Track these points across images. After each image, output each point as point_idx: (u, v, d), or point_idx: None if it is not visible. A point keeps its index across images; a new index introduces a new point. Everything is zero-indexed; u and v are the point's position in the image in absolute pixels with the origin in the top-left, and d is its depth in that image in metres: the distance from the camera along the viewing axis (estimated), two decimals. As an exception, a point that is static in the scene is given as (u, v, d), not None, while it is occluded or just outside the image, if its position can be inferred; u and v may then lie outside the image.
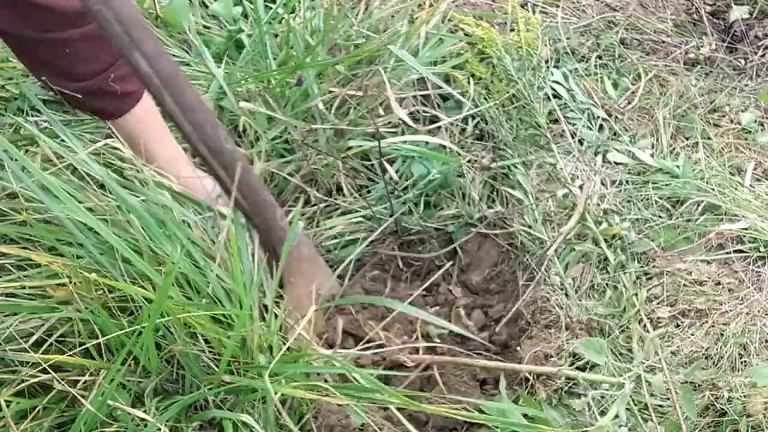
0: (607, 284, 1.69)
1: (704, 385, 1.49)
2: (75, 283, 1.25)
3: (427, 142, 1.88)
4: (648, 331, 1.62)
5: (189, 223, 1.46)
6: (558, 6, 2.34)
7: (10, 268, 1.34)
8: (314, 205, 1.80)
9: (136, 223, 1.35)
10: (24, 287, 1.30)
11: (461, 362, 1.55)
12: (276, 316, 1.40)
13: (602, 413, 1.45)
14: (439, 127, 1.94)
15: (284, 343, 1.38)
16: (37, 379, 1.24)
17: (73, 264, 1.26)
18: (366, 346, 1.58)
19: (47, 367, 1.23)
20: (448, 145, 1.88)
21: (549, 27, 2.22)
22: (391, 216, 1.79)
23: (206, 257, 1.41)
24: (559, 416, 1.42)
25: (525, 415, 1.38)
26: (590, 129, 2.01)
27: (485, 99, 2.00)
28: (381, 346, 1.60)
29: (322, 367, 1.33)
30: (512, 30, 2.14)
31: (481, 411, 1.44)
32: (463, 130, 1.97)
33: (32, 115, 1.81)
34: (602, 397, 1.47)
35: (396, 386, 1.55)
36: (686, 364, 1.56)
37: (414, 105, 1.96)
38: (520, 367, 1.49)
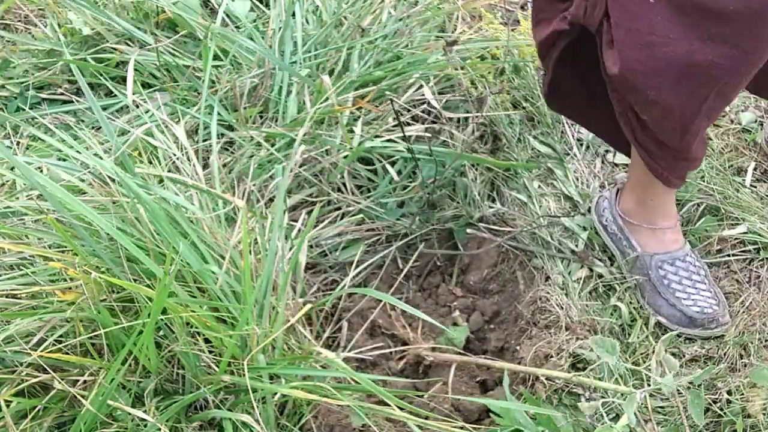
0: (607, 285, 1.69)
1: (703, 386, 1.49)
2: (85, 284, 1.24)
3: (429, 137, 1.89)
4: (648, 332, 1.62)
5: (201, 220, 1.46)
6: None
7: (23, 265, 1.35)
8: (319, 204, 1.80)
9: (145, 219, 1.35)
10: (41, 291, 1.30)
11: (481, 363, 1.56)
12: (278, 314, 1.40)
13: (607, 414, 1.45)
14: (442, 129, 1.94)
15: (286, 344, 1.38)
16: (36, 379, 1.24)
17: (86, 265, 1.26)
18: (374, 346, 1.59)
19: (47, 367, 1.23)
20: (458, 144, 1.88)
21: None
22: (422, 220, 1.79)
23: (217, 255, 1.41)
24: (561, 417, 1.42)
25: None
26: (590, 129, 2.01)
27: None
28: (405, 343, 1.62)
29: (320, 371, 1.33)
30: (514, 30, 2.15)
31: (487, 409, 1.44)
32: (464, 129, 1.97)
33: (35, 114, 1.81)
34: (603, 396, 1.47)
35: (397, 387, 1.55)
36: (685, 364, 1.56)
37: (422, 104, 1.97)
38: (534, 370, 1.49)
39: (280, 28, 2.05)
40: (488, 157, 1.90)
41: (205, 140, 1.75)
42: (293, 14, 2.06)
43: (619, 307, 1.64)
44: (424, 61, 2.00)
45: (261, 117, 1.93)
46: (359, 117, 1.88)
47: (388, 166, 1.86)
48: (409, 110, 1.96)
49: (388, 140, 1.83)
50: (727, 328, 1.60)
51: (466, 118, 1.97)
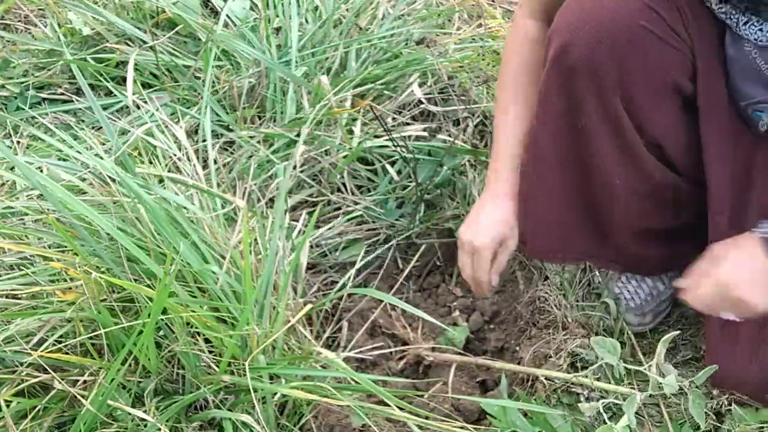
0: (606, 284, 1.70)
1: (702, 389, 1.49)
2: (85, 284, 1.24)
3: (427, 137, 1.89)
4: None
5: (201, 220, 1.46)
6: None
7: (23, 266, 1.35)
8: (320, 204, 1.80)
9: (146, 219, 1.35)
10: (41, 291, 1.30)
11: (481, 363, 1.56)
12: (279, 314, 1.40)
13: (606, 412, 1.46)
14: (440, 128, 1.94)
15: (287, 344, 1.38)
16: (37, 379, 1.24)
17: (87, 265, 1.26)
18: (374, 346, 1.60)
19: (47, 367, 1.23)
20: (459, 143, 1.88)
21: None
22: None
23: (217, 255, 1.42)
24: (559, 416, 1.42)
25: (525, 414, 1.38)
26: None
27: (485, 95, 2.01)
28: (406, 343, 1.63)
29: (321, 371, 1.33)
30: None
31: (483, 409, 1.44)
32: (465, 129, 1.97)
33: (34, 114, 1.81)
34: (603, 396, 1.47)
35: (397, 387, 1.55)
36: (682, 364, 1.56)
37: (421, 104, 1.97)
38: (534, 371, 1.50)
39: (275, 28, 2.05)
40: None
41: (205, 140, 1.75)
42: (291, 14, 2.06)
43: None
44: (423, 59, 2.00)
45: (260, 117, 1.93)
46: (357, 117, 1.88)
47: (388, 166, 1.86)
48: (400, 110, 1.96)
49: (389, 139, 1.83)
50: (633, 330, 1.62)
51: (467, 117, 1.98)
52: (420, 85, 1.98)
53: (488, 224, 1.45)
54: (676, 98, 1.32)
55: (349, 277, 1.68)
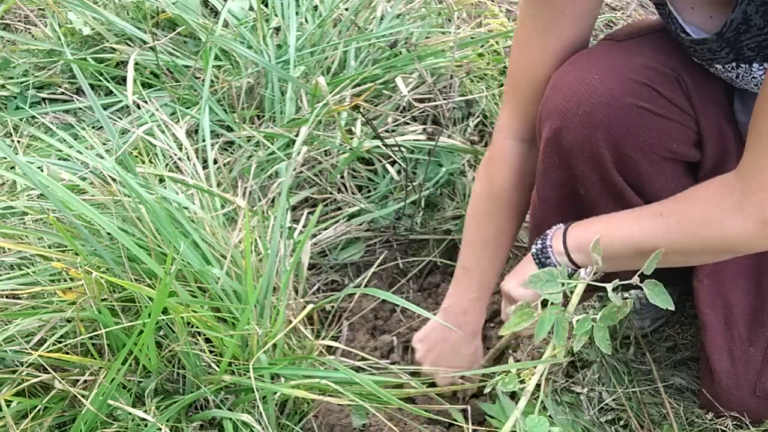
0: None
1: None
2: (86, 284, 1.24)
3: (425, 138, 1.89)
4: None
5: (202, 220, 1.46)
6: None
7: (24, 265, 1.34)
8: (321, 204, 1.80)
9: (146, 219, 1.35)
10: (42, 291, 1.30)
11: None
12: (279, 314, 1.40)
13: (601, 409, 1.46)
14: (440, 125, 1.95)
15: (287, 343, 1.38)
16: (37, 379, 1.24)
17: (87, 264, 1.26)
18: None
19: (48, 367, 1.23)
20: (459, 144, 1.88)
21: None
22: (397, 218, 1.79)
23: (218, 255, 1.42)
24: (560, 414, 1.42)
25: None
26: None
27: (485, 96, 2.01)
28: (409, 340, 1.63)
29: (322, 371, 1.33)
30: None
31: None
32: (465, 129, 1.97)
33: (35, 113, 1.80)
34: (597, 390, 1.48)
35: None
36: (681, 363, 1.57)
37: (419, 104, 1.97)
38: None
39: (273, 27, 2.05)
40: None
41: (205, 140, 1.76)
42: (290, 14, 2.06)
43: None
44: (422, 58, 2.00)
45: (259, 117, 1.93)
46: (357, 117, 1.88)
47: (388, 166, 1.86)
48: (403, 111, 1.96)
49: (381, 143, 1.83)
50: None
51: (467, 116, 1.98)
52: (418, 85, 1.98)
53: (466, 358, 1.53)
54: (678, 165, 1.29)
55: (350, 277, 1.68)
